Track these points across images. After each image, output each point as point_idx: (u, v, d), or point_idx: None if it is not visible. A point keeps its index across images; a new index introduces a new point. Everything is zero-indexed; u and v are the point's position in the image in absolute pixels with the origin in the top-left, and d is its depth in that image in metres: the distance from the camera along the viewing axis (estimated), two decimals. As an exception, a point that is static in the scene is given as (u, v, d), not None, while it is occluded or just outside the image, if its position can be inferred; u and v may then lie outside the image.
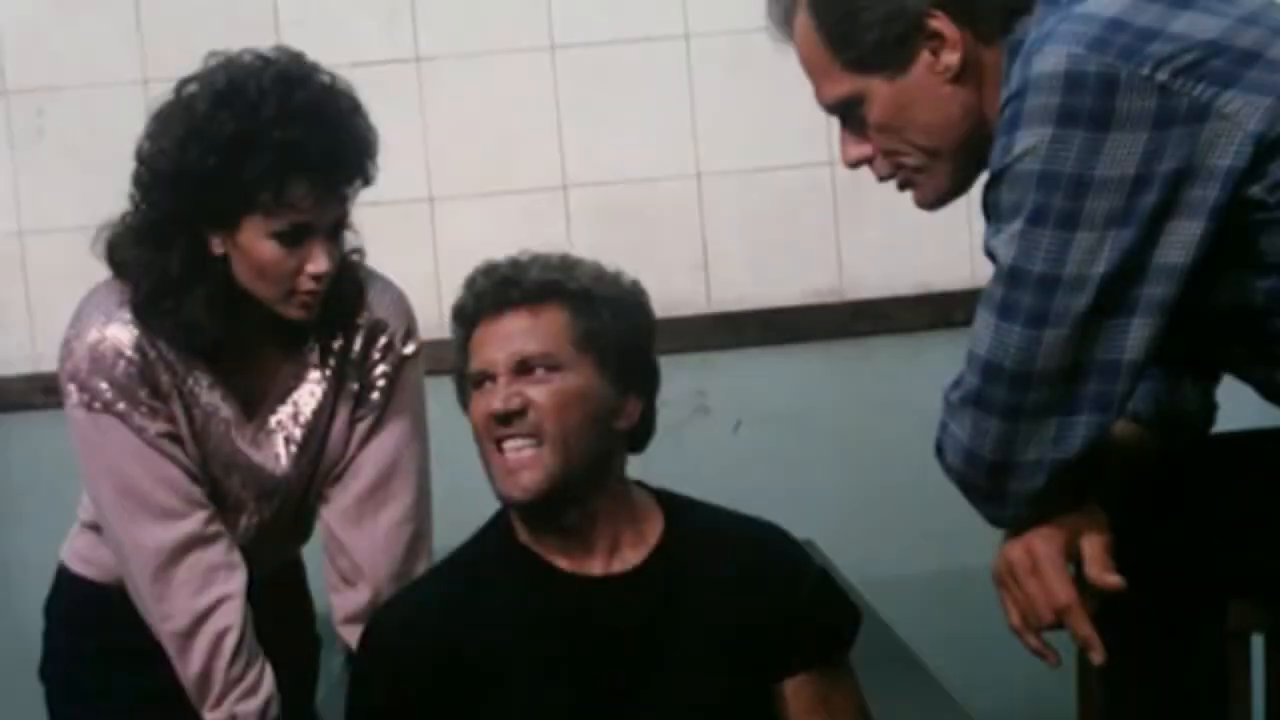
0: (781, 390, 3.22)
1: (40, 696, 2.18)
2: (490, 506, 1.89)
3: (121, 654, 2.09)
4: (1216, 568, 1.69)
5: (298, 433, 2.09)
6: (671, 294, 3.04)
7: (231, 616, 2.00)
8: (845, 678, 1.90)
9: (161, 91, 1.97)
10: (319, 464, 2.11)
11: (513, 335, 1.84)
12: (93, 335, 1.99)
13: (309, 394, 2.09)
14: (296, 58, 1.95)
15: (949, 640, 2.89)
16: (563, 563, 1.85)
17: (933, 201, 1.76)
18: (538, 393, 1.81)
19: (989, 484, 1.64)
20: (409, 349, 2.12)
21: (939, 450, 1.69)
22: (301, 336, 2.07)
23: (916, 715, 2.24)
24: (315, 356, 2.09)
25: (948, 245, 3.07)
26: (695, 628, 1.83)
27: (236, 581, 2.02)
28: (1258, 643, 1.84)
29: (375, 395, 2.11)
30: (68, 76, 3.18)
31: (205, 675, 2.00)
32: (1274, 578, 1.70)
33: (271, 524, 2.13)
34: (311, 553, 2.24)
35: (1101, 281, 1.55)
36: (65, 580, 2.18)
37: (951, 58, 1.67)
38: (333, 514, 2.12)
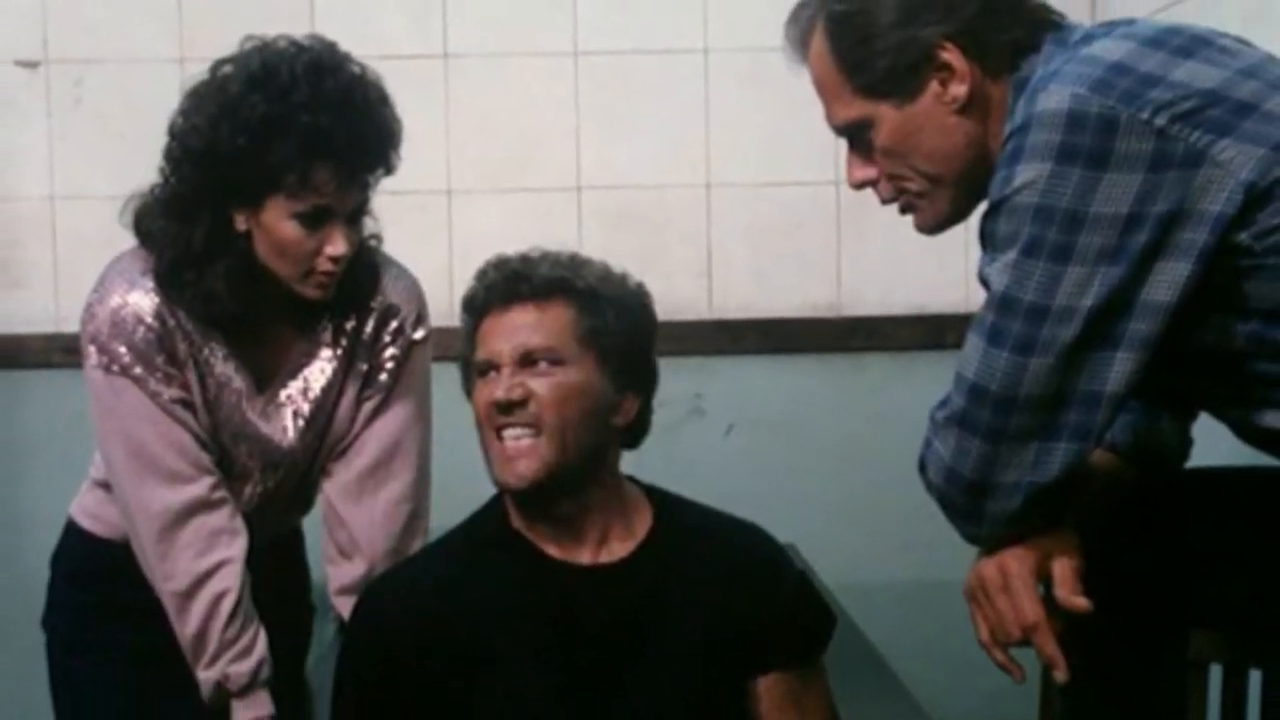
0: (775, 398, 3.23)
1: (42, 646, 2.19)
2: (487, 491, 1.90)
3: (122, 610, 2.10)
4: (1181, 598, 1.69)
5: (306, 408, 2.09)
6: (675, 298, 3.05)
7: (231, 580, 2.01)
8: (817, 679, 1.91)
9: (197, 70, 1.97)
10: (324, 439, 2.12)
11: (519, 328, 1.84)
12: (115, 300, 1.99)
13: (319, 371, 2.09)
14: (330, 47, 1.96)
15: (919, 649, 2.90)
16: (553, 550, 1.86)
17: (932, 226, 1.76)
18: (539, 385, 1.82)
19: (967, 502, 1.65)
20: (419, 334, 2.13)
21: (922, 466, 1.69)
22: (316, 316, 2.07)
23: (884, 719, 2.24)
24: (328, 335, 2.09)
25: (944, 269, 3.08)
26: (677, 621, 1.84)
27: (238, 547, 2.03)
28: (1216, 673, 1.84)
29: (383, 376, 2.11)
30: (107, 50, 3.19)
31: (201, 635, 2.00)
32: (1235, 612, 1.70)
33: (275, 494, 2.13)
34: (311, 524, 2.24)
35: (1089, 314, 1.55)
36: (73, 535, 2.18)
37: (959, 89, 1.68)
38: (334, 488, 2.13)
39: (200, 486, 2.02)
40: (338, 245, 1.95)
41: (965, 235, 1.77)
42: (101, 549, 2.13)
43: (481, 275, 1.90)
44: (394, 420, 2.12)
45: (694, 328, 3.17)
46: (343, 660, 1.90)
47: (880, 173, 1.74)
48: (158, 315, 1.99)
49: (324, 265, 1.96)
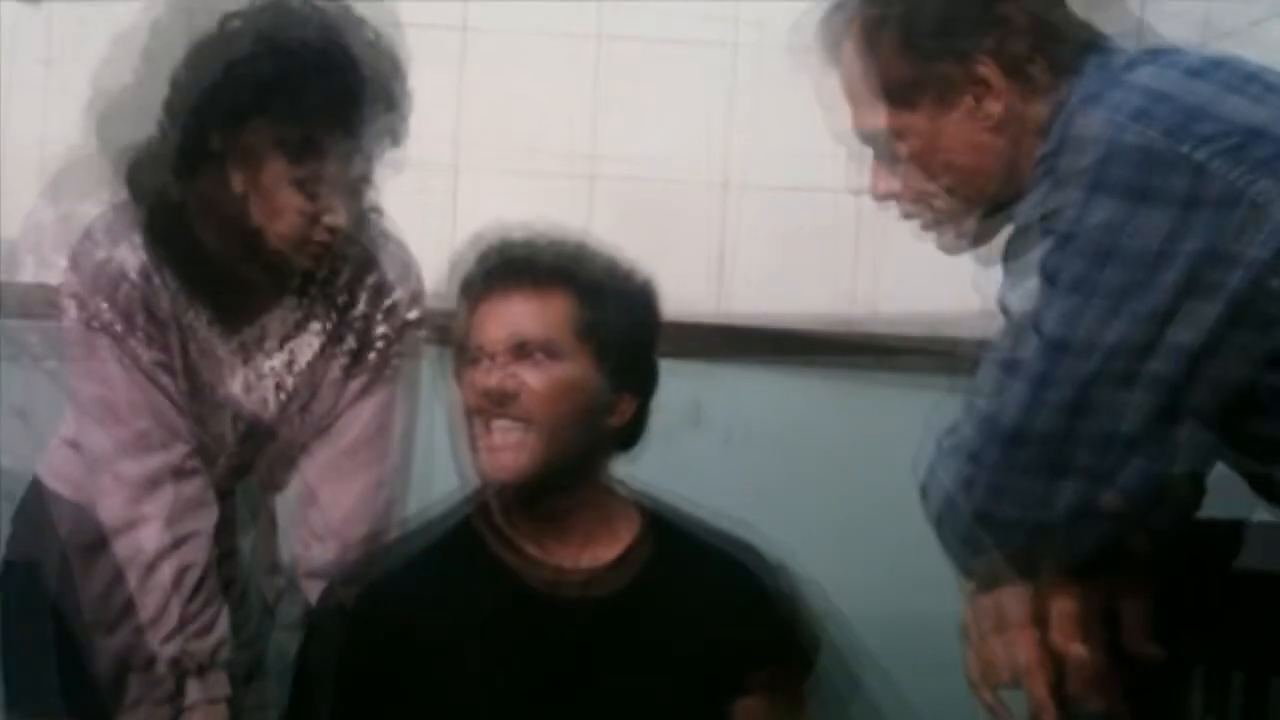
0: (777, 410, 3.22)
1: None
2: (470, 482, 1.90)
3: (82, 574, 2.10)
4: (1185, 649, 1.69)
5: (289, 381, 2.09)
6: (681, 298, 3.04)
7: (197, 553, 2.01)
8: (797, 706, 1.91)
9: (204, 21, 1.97)
10: (306, 415, 2.12)
11: (516, 316, 1.84)
12: (100, 254, 1.99)
13: (306, 344, 2.09)
14: (345, 10, 1.96)
15: (906, 683, 2.89)
16: (533, 549, 1.86)
17: (955, 247, 1.76)
18: (533, 377, 1.82)
19: (967, 534, 1.65)
20: (413, 314, 2.13)
21: (924, 493, 1.69)
22: (307, 287, 2.07)
23: (862, 754, 2.24)
24: (318, 308, 2.09)
25: (964, 292, 3.07)
26: (655, 633, 1.84)
27: (207, 519, 2.03)
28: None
29: (372, 355, 2.11)
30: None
31: (162, 608, 2.00)
32: (1241, 664, 1.70)
33: (249, 468, 2.13)
34: (285, 502, 2.24)
35: (1109, 351, 1.55)
36: (37, 493, 2.18)
37: (995, 106, 1.67)
38: (312, 467, 2.13)
39: (173, 454, 2.02)
40: (336, 215, 1.95)
41: (989, 259, 1.76)
42: (66, 510, 2.13)
43: (483, 258, 1.90)
44: (379, 401, 2.12)
45: (699, 331, 3.16)
46: (305, 646, 1.90)
47: (905, 186, 1.74)
48: (143, 273, 1.99)
49: (320, 235, 1.96)
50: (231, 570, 2.11)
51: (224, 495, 2.08)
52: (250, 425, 2.09)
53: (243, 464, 2.12)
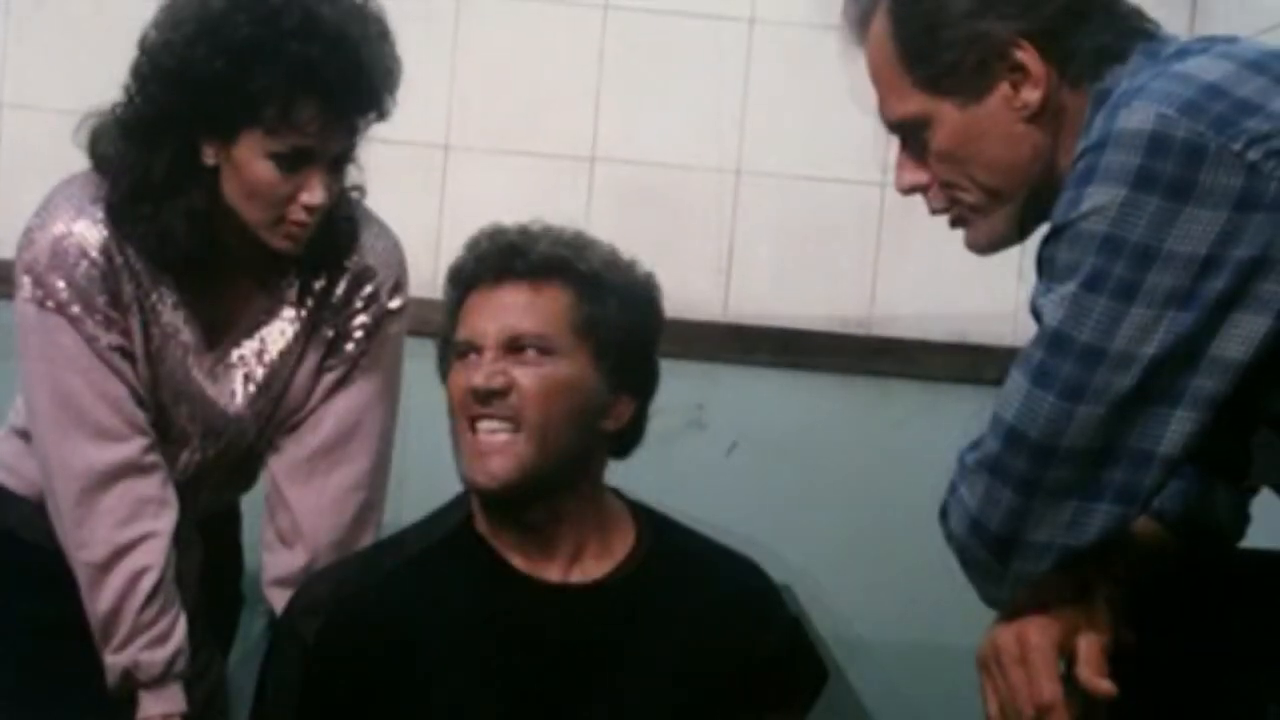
0: (786, 418, 3.22)
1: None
2: (453, 488, 1.89)
3: (29, 577, 2.09)
4: (1224, 694, 1.69)
5: (259, 372, 2.09)
6: (686, 295, 3.04)
7: (153, 556, 2.00)
8: (800, 737, 1.91)
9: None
10: (276, 409, 2.12)
11: (508, 308, 1.84)
12: (58, 228, 1.99)
13: (279, 332, 2.09)
14: (326, -29, 1.96)
15: (916, 717, 2.89)
16: (518, 562, 1.86)
17: (985, 245, 1.76)
18: (524, 375, 1.82)
19: (991, 559, 1.64)
20: (395, 303, 2.13)
21: (943, 514, 1.69)
22: (282, 270, 2.07)
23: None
24: (293, 294, 2.09)
25: (992, 295, 3.06)
26: (648, 655, 1.84)
27: (166, 519, 2.02)
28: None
29: (350, 346, 2.11)
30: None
31: (114, 614, 2.00)
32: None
33: (214, 465, 2.13)
34: (251, 504, 2.24)
35: (1150, 364, 1.54)
36: (-17, 486, 2.18)
37: (1032, 95, 1.67)
38: (281, 466, 2.12)
39: (131, 447, 2.01)
40: (315, 193, 1.94)
41: (1021, 259, 1.76)
42: (13, 505, 2.13)
43: (473, 245, 1.90)
44: (356, 396, 2.11)
45: (704, 329, 3.16)
46: (268, 661, 1.90)
47: (933, 179, 1.73)
48: (104, 250, 1.98)
49: (297, 214, 1.96)
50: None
51: (185, 493, 2.07)
52: (216, 418, 2.09)
53: (206, 461, 2.12)
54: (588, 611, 1.84)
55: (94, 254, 1.98)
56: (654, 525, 1.92)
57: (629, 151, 3.19)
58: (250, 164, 1.93)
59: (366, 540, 2.10)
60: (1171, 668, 1.68)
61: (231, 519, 2.29)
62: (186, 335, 2.05)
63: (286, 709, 1.84)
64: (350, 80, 1.91)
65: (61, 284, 1.98)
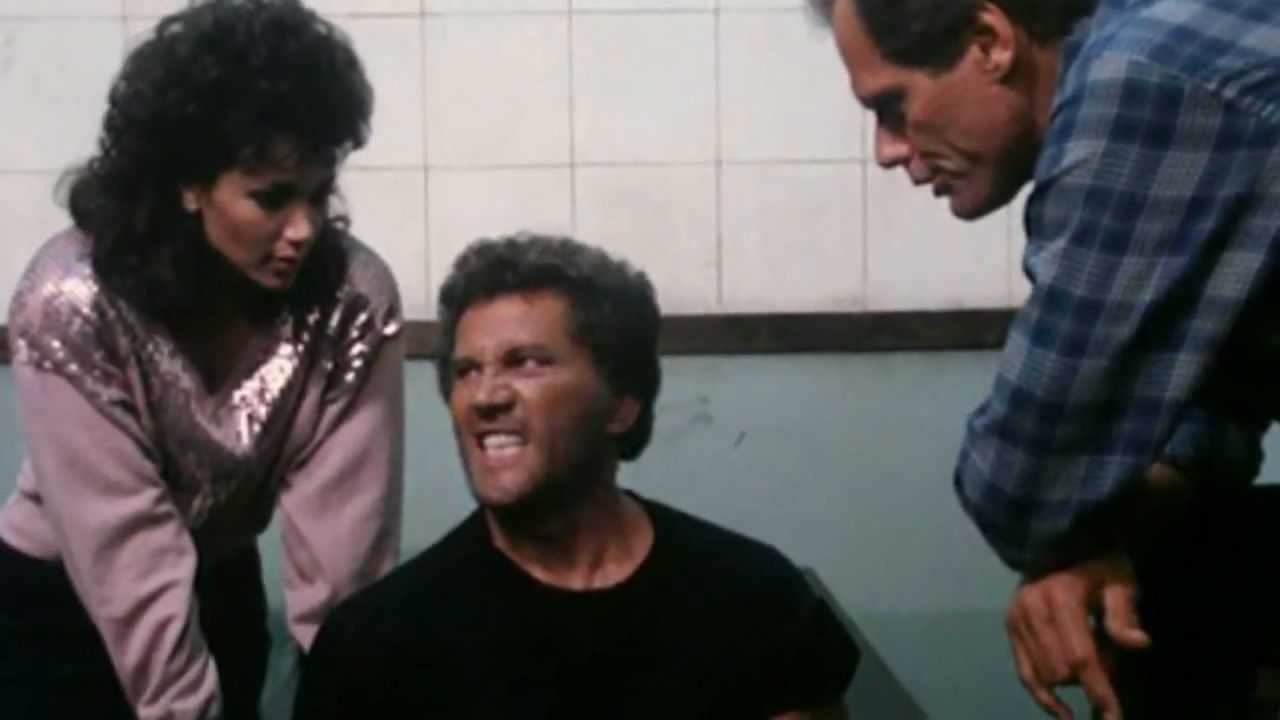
0: (791, 403, 3.22)
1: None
2: (465, 507, 1.89)
3: (53, 637, 2.09)
4: (1249, 631, 1.69)
5: (263, 411, 2.09)
6: (680, 290, 3.05)
7: (176, 605, 2.00)
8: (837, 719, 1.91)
9: (142, 30, 1.97)
10: (283, 446, 2.12)
11: (504, 322, 1.84)
12: (48, 289, 1.99)
13: (278, 370, 2.09)
14: (291, 4, 1.96)
15: (952, 688, 2.89)
16: (540, 574, 1.86)
17: (971, 210, 1.76)
18: (526, 386, 1.82)
19: (1009, 522, 1.64)
20: (390, 329, 2.12)
21: (957, 481, 1.69)
22: (274, 307, 2.07)
23: (911, 767, 2.24)
24: (288, 330, 2.09)
25: (983, 259, 3.07)
26: (678, 655, 1.84)
27: (184, 568, 2.02)
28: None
29: (350, 376, 2.11)
30: (41, 6, 3.18)
31: (143, 667, 2.00)
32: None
33: (227, 508, 2.13)
34: (268, 543, 2.24)
35: (1147, 311, 1.55)
36: (-1, 552, 2.18)
37: (1002, 56, 1.67)
38: (294, 502, 2.12)
39: (142, 499, 2.01)
40: (299, 227, 1.94)
41: (1008, 221, 1.76)
42: (30, 569, 2.13)
43: (462, 262, 1.90)
44: (362, 426, 2.11)
45: (700, 324, 3.16)
46: (301, 697, 1.90)
47: (912, 150, 1.73)
48: (96, 306, 1.98)
49: (284, 250, 1.96)
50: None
51: (200, 539, 2.07)
52: (224, 461, 2.09)
53: (219, 505, 2.12)
54: (615, 616, 1.84)
55: (86, 310, 1.98)
56: (671, 523, 1.92)
57: (607, 154, 3.20)
58: (232, 205, 1.93)
59: (386, 568, 2.10)
60: (1195, 609, 1.68)
61: (250, 560, 2.29)
62: (186, 382, 2.05)
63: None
64: (323, 111, 1.92)
65: (57, 344, 1.98)
